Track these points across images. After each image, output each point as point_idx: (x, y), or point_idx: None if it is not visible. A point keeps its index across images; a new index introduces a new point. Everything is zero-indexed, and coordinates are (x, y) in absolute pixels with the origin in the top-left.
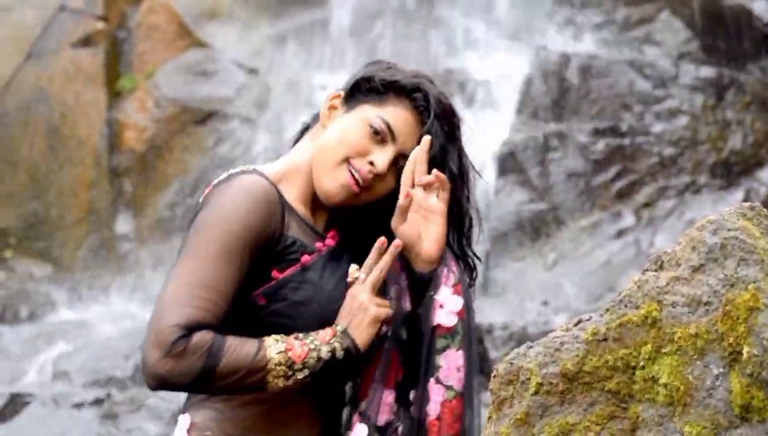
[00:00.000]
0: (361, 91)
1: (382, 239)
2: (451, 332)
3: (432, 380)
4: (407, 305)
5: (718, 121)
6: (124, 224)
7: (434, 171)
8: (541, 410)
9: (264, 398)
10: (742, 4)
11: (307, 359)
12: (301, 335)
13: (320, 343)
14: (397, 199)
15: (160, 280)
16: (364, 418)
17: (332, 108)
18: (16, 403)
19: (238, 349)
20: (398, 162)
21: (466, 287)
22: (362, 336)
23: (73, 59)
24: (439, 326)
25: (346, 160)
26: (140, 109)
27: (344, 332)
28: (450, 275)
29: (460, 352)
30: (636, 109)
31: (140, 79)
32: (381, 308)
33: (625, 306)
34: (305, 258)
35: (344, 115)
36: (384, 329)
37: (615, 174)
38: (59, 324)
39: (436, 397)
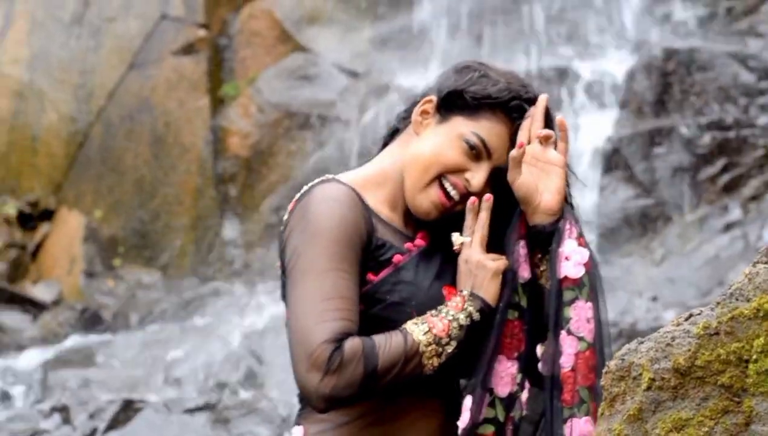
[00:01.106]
0: (454, 102)
1: (472, 199)
2: (578, 283)
3: (563, 332)
4: (526, 273)
5: None
6: (230, 230)
7: (558, 118)
8: (653, 406)
9: (376, 406)
10: None
11: (450, 331)
12: (433, 311)
13: (456, 312)
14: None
15: (268, 284)
16: (480, 388)
17: (425, 113)
18: (129, 409)
19: (388, 343)
20: (492, 176)
21: (588, 243)
22: (490, 292)
23: (175, 67)
24: (566, 278)
25: (439, 176)
26: (243, 115)
27: (472, 294)
28: (573, 227)
29: (589, 303)
30: (741, 102)
31: (243, 86)
32: (498, 261)
33: (736, 299)
34: (397, 258)
35: (437, 126)
36: (505, 296)
37: (721, 168)
38: (169, 331)
39: (569, 349)
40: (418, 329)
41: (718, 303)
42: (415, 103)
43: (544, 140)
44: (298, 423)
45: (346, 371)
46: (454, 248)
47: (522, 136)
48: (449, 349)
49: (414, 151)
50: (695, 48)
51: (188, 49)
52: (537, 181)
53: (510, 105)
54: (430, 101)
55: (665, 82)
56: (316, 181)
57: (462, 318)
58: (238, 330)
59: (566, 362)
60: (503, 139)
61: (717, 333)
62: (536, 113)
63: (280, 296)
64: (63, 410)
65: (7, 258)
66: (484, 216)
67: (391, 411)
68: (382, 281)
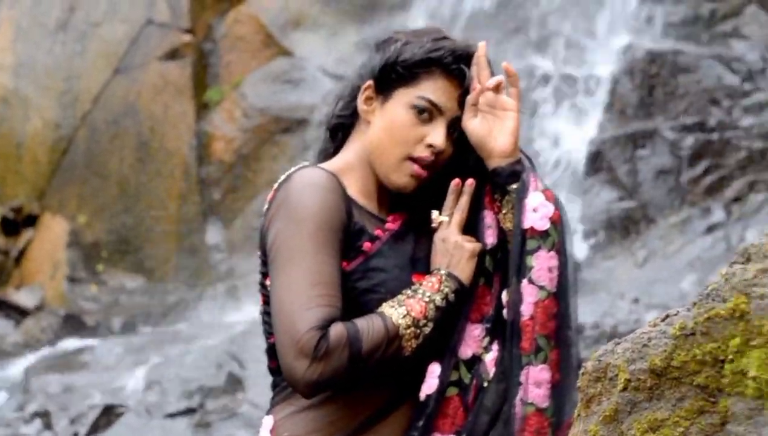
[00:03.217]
0: (389, 78)
1: (456, 181)
2: (542, 234)
3: (525, 281)
4: (492, 239)
5: None
6: (214, 235)
7: (504, 64)
8: (629, 407)
9: (345, 391)
10: None
11: (428, 313)
12: (408, 291)
13: (432, 293)
14: (456, 164)
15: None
16: (449, 355)
17: (368, 100)
18: (110, 414)
19: (371, 327)
20: (451, 130)
21: (557, 198)
22: (465, 272)
23: (160, 72)
24: (531, 228)
25: (406, 157)
26: (228, 120)
27: (448, 274)
28: (537, 181)
29: (552, 253)
30: (724, 104)
31: (227, 90)
32: (475, 244)
33: (713, 300)
34: (367, 245)
35: (383, 107)
36: None
37: (704, 170)
38: (152, 335)
39: (529, 297)
40: (396, 313)
41: (695, 304)
42: (353, 96)
43: (495, 88)
44: (268, 413)
45: (332, 358)
46: (433, 225)
47: (473, 84)
48: (427, 330)
49: (372, 139)
50: (679, 51)
51: (173, 54)
52: (491, 126)
53: (444, 60)
54: (368, 87)
55: (649, 85)
56: (295, 168)
57: (438, 299)
58: (220, 335)
59: (526, 310)
60: (450, 93)
61: (693, 334)
62: (480, 62)
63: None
64: (44, 416)
65: None
66: (465, 199)
67: (359, 395)
68: (353, 269)
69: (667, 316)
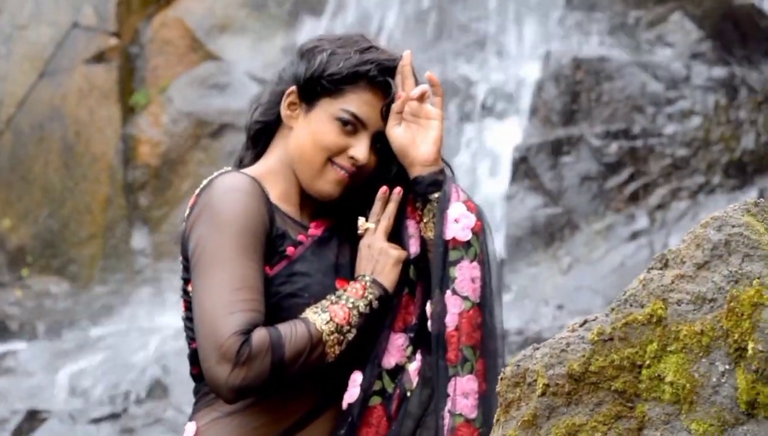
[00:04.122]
0: (314, 88)
1: (383, 189)
2: (464, 245)
3: (448, 291)
4: (415, 248)
5: (731, 121)
6: (140, 239)
7: (427, 74)
8: (548, 412)
9: (268, 397)
10: (752, 2)
11: (351, 319)
12: (333, 297)
13: (356, 299)
14: (380, 173)
15: (177, 295)
16: (372, 364)
17: (292, 105)
18: (34, 419)
19: (294, 333)
20: (375, 142)
21: (480, 208)
22: (389, 279)
23: (86, 76)
24: (453, 239)
25: (328, 160)
26: (154, 124)
27: (373, 281)
28: (459, 191)
29: (475, 263)
30: (648, 111)
31: (154, 94)
32: (401, 251)
33: (630, 305)
34: (290, 250)
35: (307, 115)
36: None
37: (628, 176)
38: (76, 340)
39: (453, 308)
40: (320, 319)
41: (613, 309)
42: (275, 101)
43: (419, 97)
44: (190, 419)
45: (254, 363)
46: (359, 231)
47: (398, 92)
48: (350, 336)
49: (294, 145)
50: (603, 57)
51: (99, 58)
52: (415, 135)
53: (370, 74)
54: (292, 93)
55: (573, 92)
56: (217, 173)
57: (362, 306)
58: (145, 340)
59: (450, 321)
60: (374, 106)
61: (611, 339)
62: (404, 72)
63: (181, 293)
64: None
65: None
66: (392, 207)
67: (281, 400)
68: (277, 274)
69: (586, 321)
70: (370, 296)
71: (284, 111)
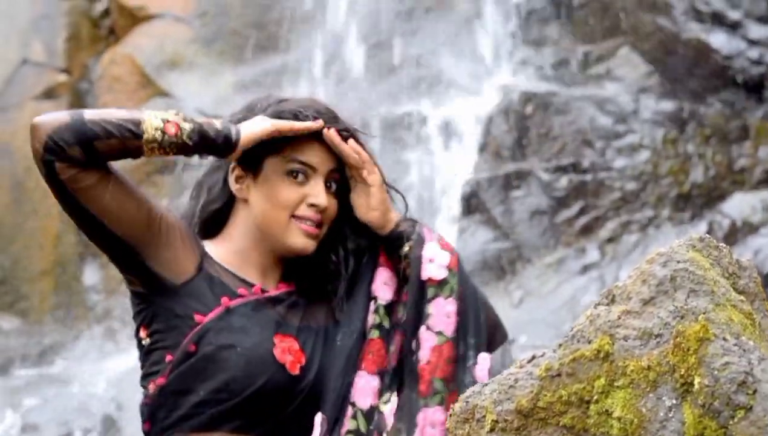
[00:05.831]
0: (253, 154)
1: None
2: (439, 282)
3: (423, 327)
4: (389, 295)
5: (680, 155)
6: (91, 276)
7: (349, 143)
8: None
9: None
10: (698, 37)
11: (179, 133)
12: (171, 114)
13: (204, 121)
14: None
15: (129, 330)
16: (333, 404)
17: (239, 179)
18: None
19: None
20: (328, 184)
21: (453, 246)
22: (248, 129)
23: (36, 112)
24: (429, 279)
25: (291, 217)
26: None
27: (224, 124)
28: (430, 232)
29: (450, 299)
30: (597, 145)
31: None
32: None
33: (578, 341)
34: (225, 300)
35: (257, 181)
36: (369, 320)
37: (578, 210)
38: (28, 378)
39: (427, 343)
40: (155, 118)
41: (561, 345)
42: (219, 185)
43: (357, 167)
44: None
45: (51, 117)
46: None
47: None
48: (168, 148)
49: (255, 215)
50: (552, 92)
51: (49, 94)
52: (366, 199)
53: (299, 118)
54: (235, 168)
55: (523, 126)
56: None
57: (187, 127)
58: (98, 376)
59: (423, 355)
60: (315, 150)
61: (559, 375)
62: (333, 142)
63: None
64: None
65: None
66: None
67: None
68: (210, 321)
69: (534, 357)
70: (219, 126)
71: (234, 186)
